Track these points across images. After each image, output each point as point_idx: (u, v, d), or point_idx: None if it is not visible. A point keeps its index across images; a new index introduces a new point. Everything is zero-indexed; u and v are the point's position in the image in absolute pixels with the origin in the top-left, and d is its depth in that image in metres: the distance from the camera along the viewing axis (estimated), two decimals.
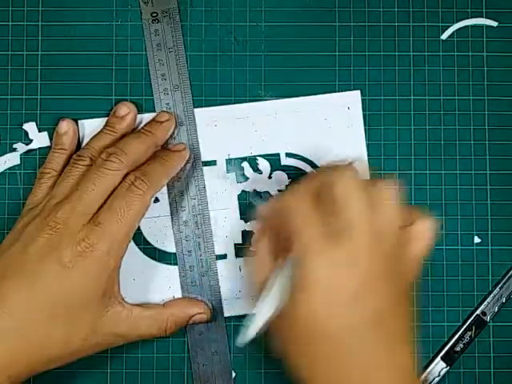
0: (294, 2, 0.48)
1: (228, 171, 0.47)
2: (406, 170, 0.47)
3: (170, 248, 0.47)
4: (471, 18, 0.48)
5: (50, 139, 0.47)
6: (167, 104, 0.47)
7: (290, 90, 0.47)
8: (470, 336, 0.47)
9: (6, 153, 0.47)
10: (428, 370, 0.46)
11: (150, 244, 0.47)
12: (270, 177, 0.47)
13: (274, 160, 0.47)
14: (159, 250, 0.47)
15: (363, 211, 0.38)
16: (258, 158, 0.47)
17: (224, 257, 0.47)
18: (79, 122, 0.47)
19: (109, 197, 0.42)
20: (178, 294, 0.47)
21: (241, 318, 0.46)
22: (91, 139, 0.46)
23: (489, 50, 0.48)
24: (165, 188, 0.46)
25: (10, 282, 0.40)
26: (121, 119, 0.46)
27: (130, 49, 0.47)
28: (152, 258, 0.47)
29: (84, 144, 0.46)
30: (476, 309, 0.47)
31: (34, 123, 0.47)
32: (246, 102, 0.47)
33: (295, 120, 0.47)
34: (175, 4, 0.47)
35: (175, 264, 0.47)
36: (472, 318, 0.47)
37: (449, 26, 0.48)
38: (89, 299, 0.41)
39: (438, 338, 0.47)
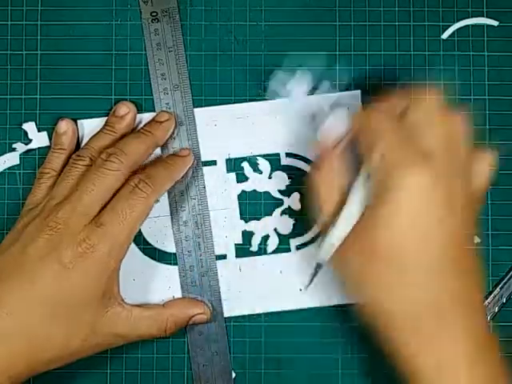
0: (294, 2, 0.47)
1: (228, 171, 0.47)
2: None
3: (170, 248, 0.47)
4: (472, 17, 0.48)
5: (50, 139, 0.47)
6: (167, 104, 0.47)
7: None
8: None
9: (5, 153, 0.47)
10: None
11: (150, 244, 0.47)
12: (270, 177, 0.47)
13: (273, 160, 0.47)
14: (159, 250, 0.47)
15: (442, 142, 0.39)
16: (258, 157, 0.47)
17: (224, 257, 0.47)
18: (79, 121, 0.47)
19: (111, 198, 0.42)
20: (178, 294, 0.47)
21: (241, 318, 0.47)
22: (91, 139, 0.45)
23: (490, 50, 0.48)
24: None
25: (10, 282, 0.40)
26: (120, 119, 0.46)
27: (129, 48, 0.47)
28: (152, 258, 0.47)
29: (83, 144, 0.46)
30: None
31: (33, 123, 0.47)
32: (245, 101, 0.47)
33: (295, 120, 0.47)
34: (175, 3, 0.47)
35: (175, 264, 0.47)
36: None
37: (449, 26, 0.48)
38: (89, 300, 0.41)
39: None
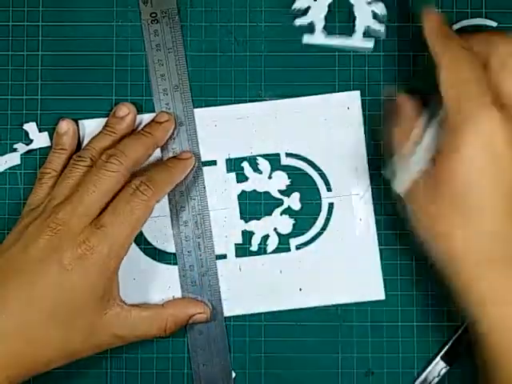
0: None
1: (228, 171, 0.47)
2: None
3: (170, 248, 0.47)
4: (471, 18, 0.48)
5: (51, 139, 0.47)
6: (167, 104, 0.47)
7: (289, 89, 0.47)
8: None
9: (6, 153, 0.47)
10: (428, 369, 0.46)
11: (150, 244, 0.47)
12: (270, 177, 0.47)
13: (274, 160, 0.47)
14: (159, 250, 0.47)
15: None
16: (258, 157, 0.47)
17: (224, 257, 0.47)
18: (79, 122, 0.47)
19: (111, 199, 0.42)
20: (178, 294, 0.47)
21: (241, 318, 0.47)
22: (91, 140, 0.46)
23: None
24: None
25: (10, 283, 0.40)
26: (120, 120, 0.46)
27: (130, 49, 0.47)
28: (152, 257, 0.47)
29: (84, 144, 0.46)
30: None
31: (34, 123, 0.47)
32: (245, 102, 0.47)
33: (295, 120, 0.47)
34: (174, 4, 0.47)
35: (175, 264, 0.47)
36: None
37: None
38: (88, 301, 0.41)
39: (438, 338, 0.47)
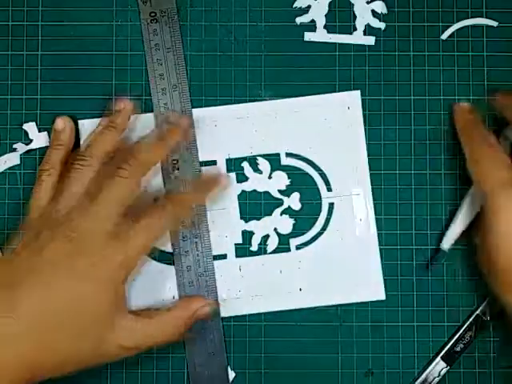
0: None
1: (228, 171, 0.47)
2: (406, 170, 0.47)
3: (168, 248, 0.47)
4: (471, 17, 0.48)
5: (50, 139, 0.47)
6: (165, 104, 0.47)
7: (289, 90, 0.47)
8: (470, 336, 0.46)
9: (5, 153, 0.47)
10: (428, 369, 0.46)
11: None
12: (270, 177, 0.47)
13: (274, 160, 0.47)
14: (159, 250, 0.47)
15: None
16: (258, 157, 0.47)
17: (224, 257, 0.47)
18: (79, 122, 0.47)
19: (124, 206, 0.42)
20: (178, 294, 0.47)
21: (241, 318, 0.47)
22: (92, 137, 0.45)
23: (489, 50, 0.48)
24: (163, 187, 0.46)
25: (22, 288, 0.40)
26: (118, 113, 0.45)
27: (129, 49, 0.47)
28: (152, 257, 0.47)
29: (82, 143, 0.46)
30: (476, 309, 0.47)
31: (33, 123, 0.47)
32: (245, 102, 0.47)
33: (295, 120, 0.47)
34: (173, 4, 0.47)
35: (172, 264, 0.47)
36: (472, 317, 0.47)
37: (449, 26, 0.48)
38: (97, 310, 0.41)
39: (438, 338, 0.47)
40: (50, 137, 0.47)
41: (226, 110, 0.47)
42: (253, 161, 0.47)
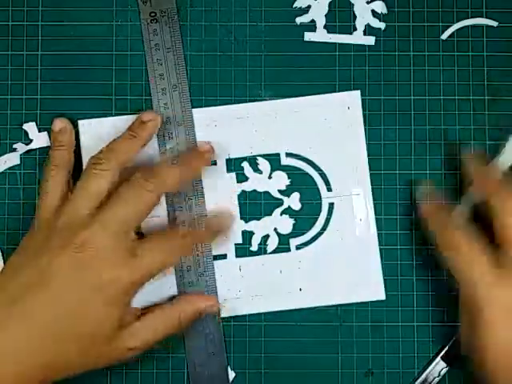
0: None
1: (228, 171, 0.47)
2: (406, 170, 0.47)
3: None
4: (471, 17, 0.48)
5: (50, 139, 0.47)
6: (165, 104, 0.47)
7: (289, 90, 0.47)
8: None
9: (5, 153, 0.47)
10: (428, 370, 0.46)
11: None
12: (270, 177, 0.47)
13: (274, 160, 0.47)
14: None
15: None
16: (258, 157, 0.47)
17: (224, 257, 0.47)
18: (79, 122, 0.47)
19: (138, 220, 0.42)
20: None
21: (241, 318, 0.47)
22: (111, 141, 0.44)
23: (489, 50, 0.48)
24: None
25: (31, 298, 0.40)
26: (143, 124, 0.44)
27: (129, 49, 0.47)
28: None
29: (82, 144, 0.46)
30: None
31: (33, 123, 0.47)
32: (245, 102, 0.47)
33: (295, 120, 0.47)
34: (173, 4, 0.47)
35: None
36: None
37: (449, 26, 0.48)
38: (106, 322, 0.41)
39: (438, 338, 0.47)
40: (50, 137, 0.47)
41: (225, 110, 0.47)
42: (253, 161, 0.47)
